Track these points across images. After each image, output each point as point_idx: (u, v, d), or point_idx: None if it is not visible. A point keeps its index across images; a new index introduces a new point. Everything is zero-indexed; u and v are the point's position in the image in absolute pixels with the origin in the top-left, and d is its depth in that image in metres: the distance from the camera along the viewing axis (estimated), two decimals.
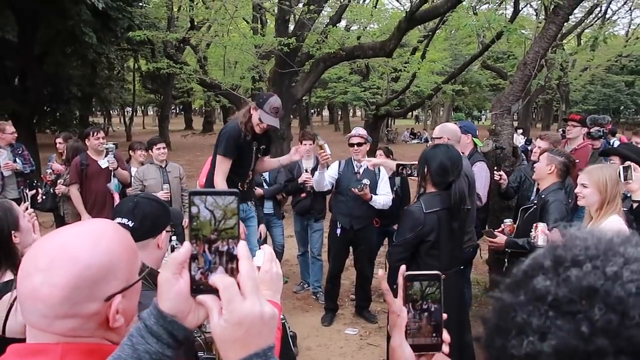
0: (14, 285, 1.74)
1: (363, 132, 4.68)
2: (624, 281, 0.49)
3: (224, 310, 0.71)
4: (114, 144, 5.23)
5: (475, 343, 0.59)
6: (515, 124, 17.95)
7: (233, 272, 0.74)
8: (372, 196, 4.42)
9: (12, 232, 1.90)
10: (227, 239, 0.74)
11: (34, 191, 5.41)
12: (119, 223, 1.68)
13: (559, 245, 0.55)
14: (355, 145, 4.53)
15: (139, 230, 1.65)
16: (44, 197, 5.56)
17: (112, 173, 5.09)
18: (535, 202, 3.44)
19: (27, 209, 2.53)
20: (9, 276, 1.80)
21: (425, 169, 2.84)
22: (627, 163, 2.74)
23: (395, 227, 4.98)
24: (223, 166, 3.60)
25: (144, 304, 1.51)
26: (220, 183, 3.58)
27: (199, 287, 0.74)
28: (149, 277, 1.66)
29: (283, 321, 3.38)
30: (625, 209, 2.88)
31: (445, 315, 0.95)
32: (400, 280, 0.94)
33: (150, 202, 1.74)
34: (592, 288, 0.49)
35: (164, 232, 1.72)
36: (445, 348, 0.95)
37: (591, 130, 4.14)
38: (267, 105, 3.49)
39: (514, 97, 4.65)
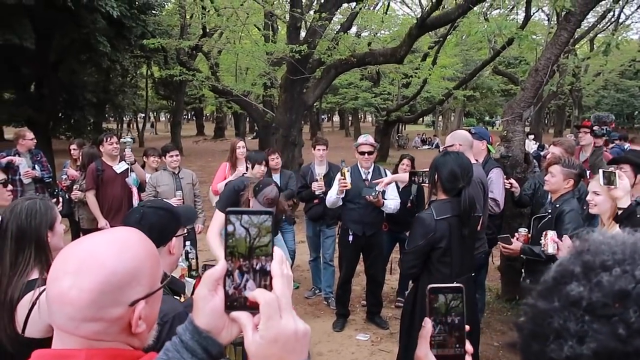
0: (38, 284, 1.79)
1: (371, 139, 4.71)
2: None
3: (261, 326, 0.73)
4: (131, 137, 5.33)
5: (508, 348, 0.62)
6: (528, 129, 17.85)
7: (266, 289, 0.76)
8: (383, 202, 4.44)
9: (48, 231, 1.95)
10: (261, 256, 0.77)
11: (55, 199, 5.51)
12: None
13: (584, 251, 0.58)
14: (366, 154, 4.55)
15: None
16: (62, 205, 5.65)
17: (130, 168, 5.17)
18: (549, 211, 3.43)
19: None
20: (35, 274, 1.83)
21: (436, 176, 2.86)
22: (611, 168, 2.71)
23: (407, 233, 5.01)
24: (219, 219, 3.56)
25: (161, 309, 1.55)
26: (210, 236, 3.57)
27: (233, 303, 0.76)
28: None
29: None
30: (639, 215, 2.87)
31: (467, 327, 0.99)
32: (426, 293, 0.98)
33: (156, 211, 1.76)
34: (625, 291, 0.52)
35: (174, 238, 1.74)
36: (469, 359, 0.99)
37: (594, 128, 4.12)
38: (260, 196, 3.45)
39: (525, 104, 4.64)
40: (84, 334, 0.90)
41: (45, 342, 1.86)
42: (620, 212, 2.50)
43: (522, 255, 3.49)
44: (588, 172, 4.03)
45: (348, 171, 4.34)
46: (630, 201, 2.53)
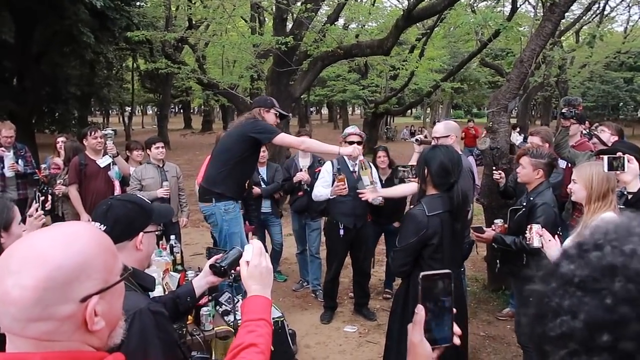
0: None
1: (359, 130, 4.68)
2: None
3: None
4: (113, 130, 5.24)
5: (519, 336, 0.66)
6: (514, 121, 17.95)
7: None
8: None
9: (2, 231, 1.89)
10: None
11: (44, 197, 5.41)
12: None
13: (585, 234, 0.61)
14: (356, 144, 4.52)
15: (111, 233, 1.62)
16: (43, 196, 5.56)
17: (113, 161, 5.08)
18: (524, 203, 3.44)
19: (37, 210, 2.55)
20: None
21: (426, 171, 2.76)
22: (618, 154, 2.71)
23: (395, 224, 5.02)
24: (284, 135, 4.01)
25: (127, 305, 1.51)
26: (306, 140, 4.13)
27: None
28: (131, 277, 1.66)
29: (282, 319, 3.40)
30: (621, 206, 2.89)
31: (455, 310, 1.04)
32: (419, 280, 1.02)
33: (124, 204, 1.71)
34: (612, 265, 0.55)
35: (141, 234, 1.68)
36: (457, 340, 1.04)
37: (563, 110, 4.14)
38: (275, 103, 4.01)
39: (510, 95, 4.66)
40: (33, 335, 0.84)
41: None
42: (630, 196, 2.49)
43: (493, 244, 3.52)
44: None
45: (366, 169, 4.18)
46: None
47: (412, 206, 3.47)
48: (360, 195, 4.10)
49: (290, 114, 4.19)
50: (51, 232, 0.92)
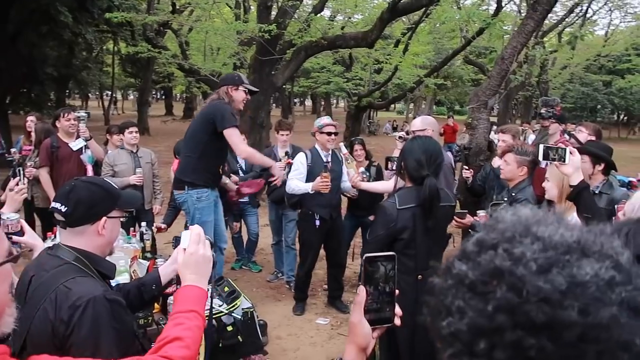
0: None
1: (333, 121, 4.66)
2: (527, 260, 0.52)
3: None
4: (86, 112, 5.10)
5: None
6: (495, 119, 18.13)
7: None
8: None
9: None
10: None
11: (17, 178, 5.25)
12: (53, 207, 1.60)
13: (485, 229, 0.60)
14: (333, 135, 4.48)
15: (72, 215, 1.57)
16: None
17: (85, 145, 4.95)
18: (506, 198, 3.47)
19: (17, 184, 2.46)
20: None
21: (402, 164, 2.68)
22: (559, 144, 2.67)
23: (371, 217, 5.01)
24: (238, 135, 3.79)
25: (76, 291, 1.43)
26: (249, 149, 3.94)
27: None
28: (90, 263, 1.60)
29: (251, 310, 3.36)
30: (602, 206, 2.91)
31: (397, 292, 1.05)
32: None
33: (88, 186, 1.63)
34: (499, 269, 0.53)
35: (103, 218, 1.61)
36: (397, 320, 1.06)
37: (542, 111, 4.18)
38: (244, 79, 3.89)
39: (490, 92, 4.67)
40: None
41: None
42: (572, 189, 2.39)
43: (469, 230, 3.54)
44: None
45: (352, 161, 4.24)
46: (582, 178, 2.45)
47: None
48: (352, 184, 4.18)
49: (257, 89, 4.08)
50: None
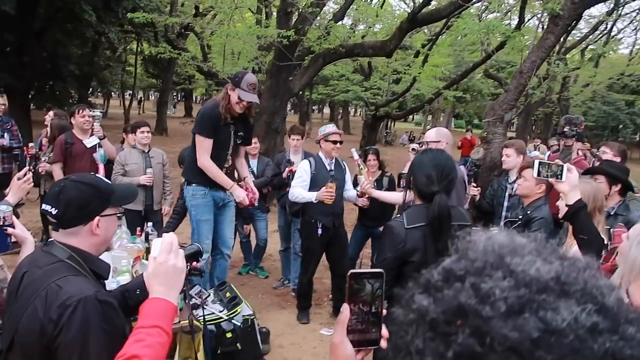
0: None
1: (338, 129, 4.64)
2: (495, 298, 0.45)
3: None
4: (100, 111, 5.16)
5: None
6: (513, 135, 17.88)
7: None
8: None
9: None
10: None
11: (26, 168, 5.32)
12: (43, 210, 1.58)
13: (455, 256, 0.52)
14: (338, 143, 4.45)
15: (63, 217, 1.53)
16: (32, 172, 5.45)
17: (98, 143, 4.99)
18: (521, 216, 3.37)
19: (25, 174, 2.47)
20: None
21: (412, 179, 2.46)
22: (556, 161, 2.55)
23: (381, 228, 4.94)
24: (205, 145, 3.67)
25: (67, 290, 1.40)
26: (205, 163, 3.67)
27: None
28: (84, 262, 1.57)
29: (252, 317, 3.32)
30: (608, 227, 2.81)
31: (385, 312, 0.97)
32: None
33: (78, 185, 1.58)
34: (463, 308, 0.46)
35: (97, 217, 1.57)
36: (384, 343, 0.97)
37: (565, 129, 4.07)
38: (243, 82, 3.57)
39: (507, 106, 4.58)
40: None
41: None
42: (567, 209, 2.24)
43: None
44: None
45: (364, 168, 4.16)
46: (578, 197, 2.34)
47: (397, 215, 3.34)
48: (361, 192, 4.14)
49: (258, 101, 3.92)
50: None
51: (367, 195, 4.33)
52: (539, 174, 2.30)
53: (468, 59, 19.48)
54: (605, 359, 0.42)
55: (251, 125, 4.06)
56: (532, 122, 31.83)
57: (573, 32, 15.77)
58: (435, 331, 0.46)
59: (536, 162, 2.33)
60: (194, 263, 1.76)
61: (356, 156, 4.21)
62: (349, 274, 0.94)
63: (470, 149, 15.43)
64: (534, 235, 0.52)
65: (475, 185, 4.32)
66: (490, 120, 4.58)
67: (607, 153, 4.06)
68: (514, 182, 3.94)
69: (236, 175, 4.07)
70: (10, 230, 1.96)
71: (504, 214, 4.04)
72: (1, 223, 1.95)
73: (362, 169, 4.16)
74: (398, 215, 2.89)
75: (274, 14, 12.94)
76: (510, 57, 14.62)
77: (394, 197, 4.12)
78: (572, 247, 2.37)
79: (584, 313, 0.43)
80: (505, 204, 4.05)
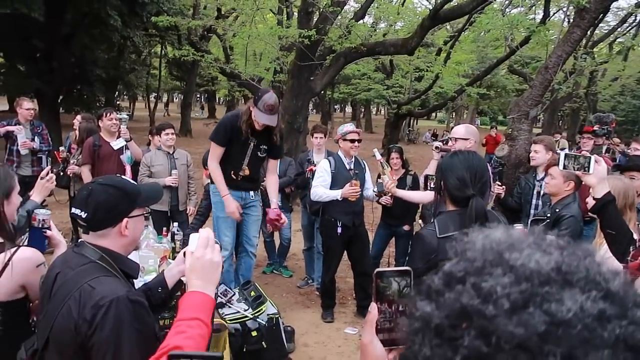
0: (7, 247, 1.78)
1: (356, 128, 4.64)
2: (498, 296, 0.43)
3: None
4: (127, 114, 5.27)
5: None
6: (539, 131, 17.53)
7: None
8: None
9: (4, 199, 1.90)
10: None
11: (48, 167, 5.46)
12: (73, 213, 1.62)
13: (454, 258, 0.51)
14: (357, 142, 4.45)
15: (92, 220, 1.58)
16: (60, 174, 5.58)
17: (125, 145, 5.11)
18: (549, 215, 3.31)
19: (47, 173, 2.56)
20: None
21: (442, 183, 2.29)
22: (583, 152, 2.46)
23: (405, 227, 4.93)
24: (215, 151, 3.83)
25: (99, 290, 1.44)
26: (211, 166, 3.85)
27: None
28: (114, 262, 1.61)
29: (277, 316, 3.34)
30: (639, 222, 2.74)
31: None
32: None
33: (106, 189, 1.62)
34: (466, 310, 0.44)
35: (125, 219, 1.61)
36: None
37: (595, 128, 3.98)
38: (261, 103, 3.54)
39: (532, 102, 4.49)
40: None
41: (10, 305, 1.82)
42: (595, 202, 2.19)
43: None
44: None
45: (387, 167, 4.12)
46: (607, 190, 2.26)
47: (421, 222, 3.26)
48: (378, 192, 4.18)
49: (274, 124, 3.84)
50: None
51: (390, 194, 4.31)
52: (564, 166, 2.25)
53: (491, 54, 19.20)
54: (617, 345, 0.40)
55: (276, 139, 3.94)
56: (559, 117, 31.15)
57: (600, 25, 15.39)
58: (442, 337, 0.46)
59: (562, 154, 2.27)
60: None
61: (379, 156, 4.19)
62: (374, 272, 0.94)
63: (494, 147, 15.18)
64: (528, 233, 0.51)
65: (500, 184, 4.26)
66: (515, 116, 4.50)
67: (639, 150, 3.97)
68: (542, 179, 3.87)
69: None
70: (48, 232, 2.06)
71: (532, 211, 3.97)
72: (41, 226, 2.04)
73: (385, 168, 4.14)
74: (422, 222, 2.89)
75: (295, 14, 13.00)
76: (535, 52, 14.35)
77: (418, 196, 4.10)
78: (601, 245, 2.32)
79: (589, 301, 0.42)
80: (534, 202, 3.98)
